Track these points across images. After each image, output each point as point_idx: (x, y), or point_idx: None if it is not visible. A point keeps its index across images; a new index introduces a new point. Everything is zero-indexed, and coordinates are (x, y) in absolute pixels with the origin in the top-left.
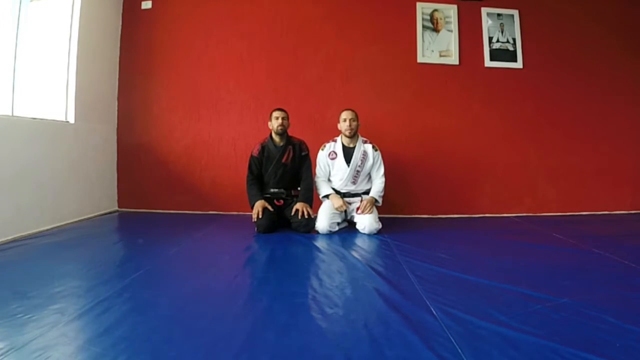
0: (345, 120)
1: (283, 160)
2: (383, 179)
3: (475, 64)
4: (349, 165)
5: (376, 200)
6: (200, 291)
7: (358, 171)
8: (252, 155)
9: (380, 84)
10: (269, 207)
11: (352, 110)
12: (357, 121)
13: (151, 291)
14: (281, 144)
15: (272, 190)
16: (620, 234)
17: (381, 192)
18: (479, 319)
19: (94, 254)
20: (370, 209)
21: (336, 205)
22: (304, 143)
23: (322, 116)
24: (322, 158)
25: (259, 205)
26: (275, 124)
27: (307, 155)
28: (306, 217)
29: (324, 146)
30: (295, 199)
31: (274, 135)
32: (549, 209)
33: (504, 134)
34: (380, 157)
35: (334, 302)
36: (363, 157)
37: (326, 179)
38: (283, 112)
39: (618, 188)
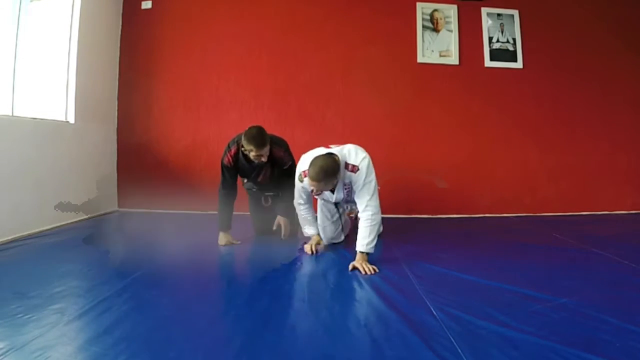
0: (312, 190)
1: (259, 180)
2: (369, 213)
3: (475, 64)
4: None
5: (367, 253)
6: (200, 291)
7: (348, 201)
8: (223, 164)
9: (380, 84)
10: (234, 242)
11: (319, 178)
12: (328, 179)
13: (151, 291)
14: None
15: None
16: (620, 234)
17: (368, 237)
18: (479, 319)
19: (94, 254)
20: (368, 268)
21: (311, 246)
22: (287, 155)
23: (322, 116)
24: (300, 189)
25: (223, 240)
26: (252, 156)
27: (291, 165)
28: (285, 238)
29: (301, 177)
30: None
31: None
32: (549, 209)
33: (504, 134)
34: (364, 175)
35: (333, 302)
36: (348, 190)
37: (310, 211)
38: (263, 149)
39: (618, 188)
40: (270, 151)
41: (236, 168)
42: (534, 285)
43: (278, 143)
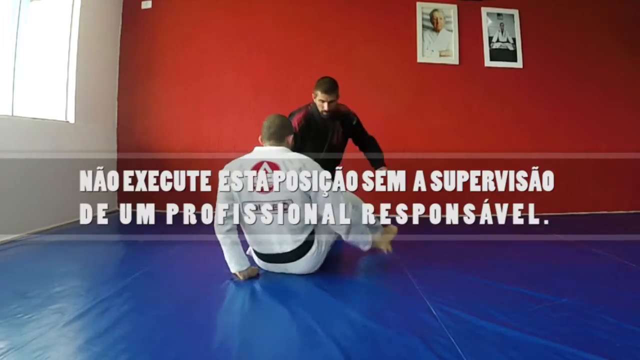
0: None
1: (334, 141)
2: None
3: (475, 63)
4: None
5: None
6: (201, 291)
7: None
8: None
9: (380, 84)
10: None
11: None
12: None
13: (151, 291)
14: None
15: None
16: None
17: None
18: (479, 319)
19: (94, 253)
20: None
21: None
22: (350, 111)
23: None
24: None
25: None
26: (318, 101)
27: (358, 120)
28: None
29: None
30: None
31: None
32: (549, 209)
33: (503, 134)
34: None
35: (333, 302)
36: None
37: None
38: (331, 94)
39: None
40: (335, 108)
41: (307, 130)
42: (534, 285)
43: (339, 104)
